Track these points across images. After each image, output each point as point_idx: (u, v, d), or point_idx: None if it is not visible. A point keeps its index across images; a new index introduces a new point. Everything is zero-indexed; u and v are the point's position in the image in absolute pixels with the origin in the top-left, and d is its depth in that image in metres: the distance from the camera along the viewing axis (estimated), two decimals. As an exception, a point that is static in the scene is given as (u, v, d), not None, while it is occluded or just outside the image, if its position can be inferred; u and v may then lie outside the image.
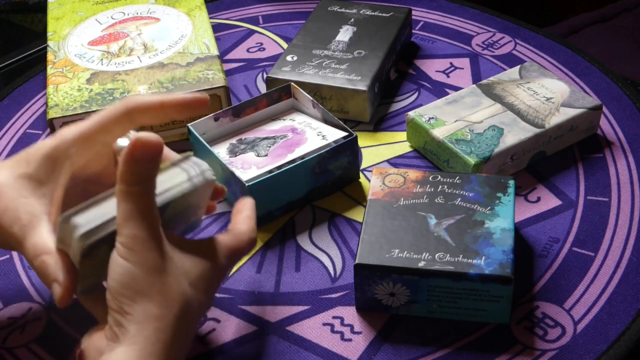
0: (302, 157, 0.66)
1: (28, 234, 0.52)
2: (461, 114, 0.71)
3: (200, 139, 0.68)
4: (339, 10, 0.87)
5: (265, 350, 0.57)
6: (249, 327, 0.59)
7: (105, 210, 0.50)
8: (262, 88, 0.83)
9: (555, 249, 0.63)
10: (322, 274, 0.62)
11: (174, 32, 0.84)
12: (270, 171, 0.65)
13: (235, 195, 0.66)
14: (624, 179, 0.69)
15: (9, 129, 0.81)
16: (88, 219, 0.49)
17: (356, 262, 0.56)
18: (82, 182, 0.57)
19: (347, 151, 0.68)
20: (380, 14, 0.85)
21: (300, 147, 0.69)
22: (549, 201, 0.67)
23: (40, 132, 0.80)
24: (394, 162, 0.72)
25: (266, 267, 0.63)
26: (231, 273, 0.63)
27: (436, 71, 0.83)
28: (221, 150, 0.70)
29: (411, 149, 0.74)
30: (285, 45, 0.90)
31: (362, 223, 0.62)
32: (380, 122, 0.77)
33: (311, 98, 0.72)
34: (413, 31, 0.90)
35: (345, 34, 0.83)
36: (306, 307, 0.60)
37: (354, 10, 0.87)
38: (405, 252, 0.57)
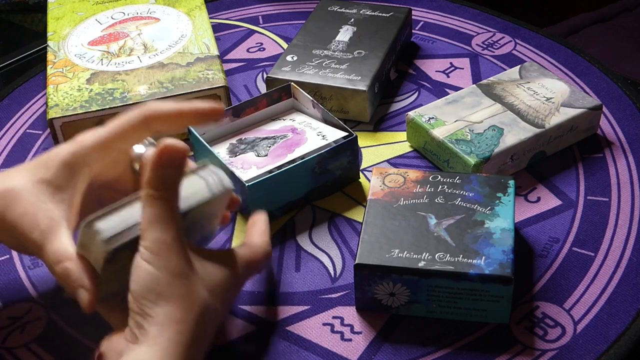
0: (302, 157, 0.66)
1: (48, 239, 0.52)
2: (461, 114, 0.71)
3: (200, 139, 0.68)
4: (339, 10, 0.87)
5: (265, 350, 0.57)
6: (249, 327, 0.59)
7: (128, 216, 0.50)
8: (262, 88, 0.83)
9: (555, 249, 0.63)
10: (322, 274, 0.62)
11: (174, 32, 0.84)
12: (270, 171, 0.65)
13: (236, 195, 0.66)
14: (624, 179, 0.69)
15: (9, 129, 0.81)
16: (111, 225, 0.49)
17: (356, 262, 0.56)
18: (97, 189, 0.57)
19: (347, 151, 0.68)
20: (380, 14, 0.85)
21: (300, 147, 0.69)
22: (549, 201, 0.67)
23: (40, 132, 0.80)
24: (394, 162, 0.72)
25: (266, 267, 0.63)
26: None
27: (436, 71, 0.83)
28: (221, 150, 0.70)
29: (411, 149, 0.74)
30: (285, 45, 0.90)
31: (362, 223, 0.62)
32: (380, 122, 0.77)
33: (311, 98, 0.72)
34: (413, 31, 0.90)
35: (345, 34, 0.83)
36: (306, 307, 0.60)
37: (354, 10, 0.87)
38: (405, 252, 0.57)
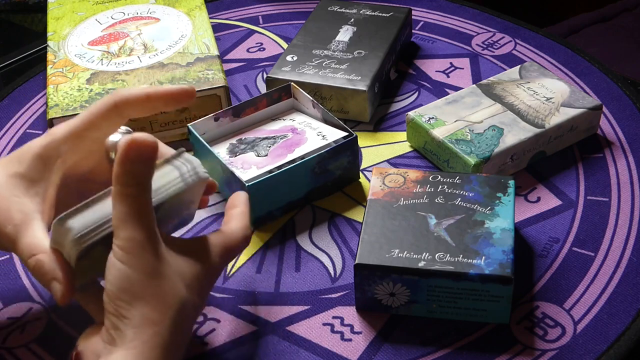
0: (302, 157, 0.66)
1: (22, 233, 0.52)
2: (461, 114, 0.71)
3: (200, 139, 0.68)
4: (339, 10, 0.87)
5: (265, 350, 0.57)
6: (249, 327, 0.59)
7: (100, 212, 0.49)
8: (262, 88, 0.83)
9: (555, 249, 0.63)
10: (322, 274, 0.62)
11: (174, 32, 0.84)
12: (270, 171, 0.65)
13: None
14: (624, 179, 0.69)
15: (9, 129, 0.81)
16: (83, 222, 0.49)
17: (356, 262, 0.56)
18: (75, 181, 0.57)
19: (347, 151, 0.68)
20: (380, 14, 0.85)
21: (300, 147, 0.69)
22: (549, 201, 0.67)
23: (40, 132, 0.80)
24: (394, 162, 0.72)
25: (266, 267, 0.63)
26: (231, 273, 0.63)
27: (436, 71, 0.83)
28: (221, 150, 0.70)
29: (411, 149, 0.74)
30: (285, 45, 0.90)
31: (362, 223, 0.62)
32: (380, 122, 0.77)
33: (311, 98, 0.72)
34: (413, 31, 0.90)
35: (345, 34, 0.83)
36: (306, 307, 0.60)
37: (354, 10, 0.87)
38: (405, 252, 0.57)
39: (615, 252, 0.62)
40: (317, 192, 0.68)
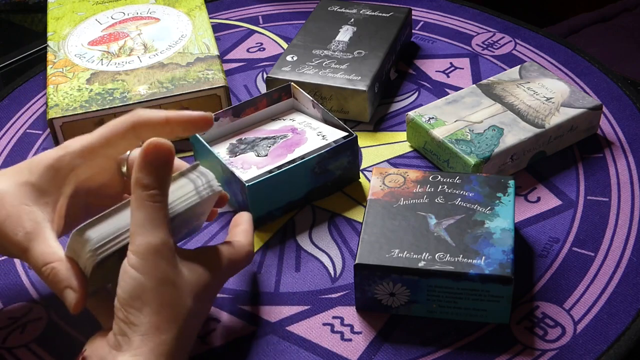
0: (302, 157, 0.66)
1: (34, 241, 0.51)
2: (461, 114, 0.71)
3: (200, 139, 0.68)
4: (339, 10, 0.87)
5: (265, 350, 0.57)
6: (249, 327, 0.59)
7: (118, 223, 0.50)
8: (262, 88, 0.83)
9: (555, 249, 0.63)
10: (322, 274, 0.62)
11: (174, 32, 0.84)
12: (270, 171, 0.65)
13: (236, 195, 0.66)
14: (624, 179, 0.69)
15: (9, 129, 0.81)
16: (101, 233, 0.50)
17: (356, 262, 0.56)
18: (85, 194, 0.57)
19: (347, 151, 0.68)
20: (380, 14, 0.85)
21: (300, 147, 0.69)
22: (549, 201, 0.67)
23: (40, 132, 0.80)
24: (394, 162, 0.72)
25: (266, 267, 0.63)
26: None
27: (436, 71, 0.83)
28: (221, 150, 0.70)
29: (411, 149, 0.74)
30: (285, 45, 0.90)
31: (362, 223, 0.62)
32: (380, 122, 0.77)
33: (311, 98, 0.72)
34: (413, 31, 0.90)
35: (345, 34, 0.83)
36: (306, 307, 0.60)
37: (354, 10, 0.87)
38: (405, 252, 0.57)
39: (615, 252, 0.62)
40: (317, 192, 0.68)
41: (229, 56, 0.89)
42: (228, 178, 0.66)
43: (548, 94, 0.73)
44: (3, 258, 0.66)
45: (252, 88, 0.84)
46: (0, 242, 0.53)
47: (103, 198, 0.58)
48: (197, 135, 0.68)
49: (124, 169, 0.57)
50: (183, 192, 0.53)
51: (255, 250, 0.65)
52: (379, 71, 0.77)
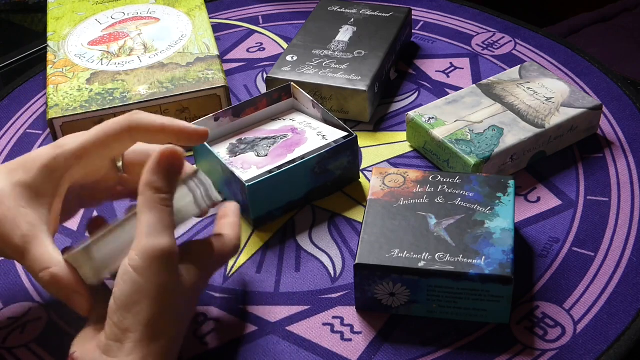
0: (302, 157, 0.66)
1: (31, 245, 0.51)
2: (461, 114, 0.71)
3: (200, 139, 0.68)
4: (339, 10, 0.87)
5: (265, 350, 0.57)
6: (249, 327, 0.59)
7: (122, 240, 0.50)
8: (262, 88, 0.83)
9: (555, 249, 0.63)
10: (322, 274, 0.62)
11: (174, 32, 0.84)
12: (270, 171, 0.65)
13: (236, 195, 0.66)
14: (624, 179, 0.69)
15: (9, 129, 0.81)
16: (105, 253, 0.50)
17: (356, 262, 0.56)
18: (78, 189, 0.57)
19: (347, 151, 0.68)
20: (380, 14, 0.85)
21: (300, 147, 0.69)
22: (549, 201, 0.67)
23: (40, 132, 0.80)
24: (394, 162, 0.72)
25: (266, 267, 0.63)
26: (231, 273, 0.63)
27: (436, 71, 0.83)
28: (221, 150, 0.70)
29: (411, 149, 0.74)
30: (285, 45, 0.90)
31: (362, 223, 0.62)
32: (380, 122, 0.77)
33: (311, 98, 0.72)
34: (413, 31, 0.90)
35: (345, 34, 0.83)
36: (306, 307, 0.60)
37: (354, 10, 0.87)
38: (405, 252, 0.57)
39: (615, 252, 0.62)
40: (317, 192, 0.68)
41: (229, 56, 0.89)
42: (228, 178, 0.66)
43: (548, 94, 0.73)
44: (3, 258, 0.66)
45: (252, 88, 0.84)
46: None
47: (96, 192, 0.58)
48: (197, 135, 0.68)
49: (120, 164, 0.57)
50: (183, 202, 0.53)
51: (255, 250, 0.65)
52: (379, 71, 0.77)
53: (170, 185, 0.50)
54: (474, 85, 0.75)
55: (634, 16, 1.52)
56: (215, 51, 0.80)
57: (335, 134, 0.69)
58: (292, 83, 0.74)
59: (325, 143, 0.68)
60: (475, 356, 0.55)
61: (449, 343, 0.56)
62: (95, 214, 0.70)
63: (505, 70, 0.81)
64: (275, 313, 0.60)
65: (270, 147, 0.69)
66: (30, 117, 0.82)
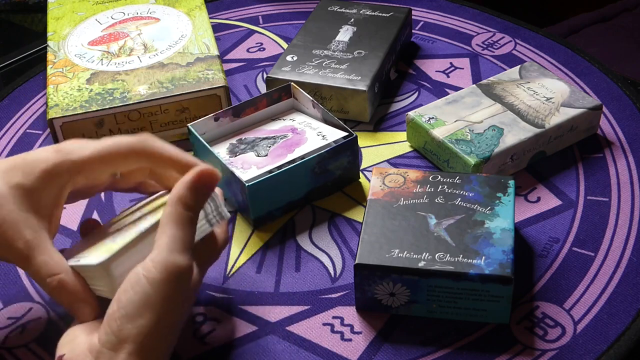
0: (302, 157, 0.66)
1: (35, 251, 0.50)
2: (461, 114, 0.71)
3: (200, 139, 0.68)
4: (339, 10, 0.87)
5: (265, 350, 0.57)
6: (249, 327, 0.59)
7: (143, 256, 0.49)
8: (262, 88, 0.83)
9: (555, 249, 0.63)
10: (322, 274, 0.62)
11: (174, 32, 0.84)
12: (270, 171, 0.65)
13: (236, 195, 0.66)
14: (624, 179, 0.69)
15: (9, 129, 0.81)
16: (123, 269, 0.49)
17: (356, 262, 0.56)
18: (73, 193, 0.56)
19: (347, 151, 0.68)
20: (380, 14, 0.85)
21: (300, 147, 0.69)
22: (549, 201, 0.67)
23: (40, 132, 0.80)
24: (394, 162, 0.72)
25: (266, 267, 0.63)
26: (231, 273, 0.63)
27: (436, 71, 0.83)
28: (221, 150, 0.70)
29: (411, 149, 0.74)
30: (285, 45, 0.90)
31: (362, 223, 0.62)
32: (380, 122, 0.77)
33: (311, 98, 0.72)
34: (413, 31, 0.90)
35: (345, 34, 0.83)
36: (306, 307, 0.60)
37: (354, 10, 0.87)
38: (405, 252, 0.57)
39: (615, 252, 0.62)
40: (317, 192, 0.68)
41: (229, 56, 0.89)
42: (228, 178, 0.66)
43: (548, 94, 0.73)
44: (3, 258, 0.66)
45: (252, 88, 0.84)
46: None
47: (88, 193, 0.57)
48: (197, 135, 0.68)
49: (118, 175, 0.57)
50: (199, 224, 0.52)
51: (255, 250, 0.65)
52: (379, 71, 0.77)
53: (199, 206, 0.50)
54: (474, 85, 0.75)
55: (634, 16, 1.52)
56: (215, 51, 0.80)
57: (335, 134, 0.69)
58: (292, 83, 0.74)
59: (325, 143, 0.68)
60: (475, 356, 0.55)
61: (449, 343, 0.56)
62: (95, 214, 0.70)
63: (505, 70, 0.81)
64: (275, 313, 0.59)
65: (270, 147, 0.69)
66: (30, 117, 0.82)
